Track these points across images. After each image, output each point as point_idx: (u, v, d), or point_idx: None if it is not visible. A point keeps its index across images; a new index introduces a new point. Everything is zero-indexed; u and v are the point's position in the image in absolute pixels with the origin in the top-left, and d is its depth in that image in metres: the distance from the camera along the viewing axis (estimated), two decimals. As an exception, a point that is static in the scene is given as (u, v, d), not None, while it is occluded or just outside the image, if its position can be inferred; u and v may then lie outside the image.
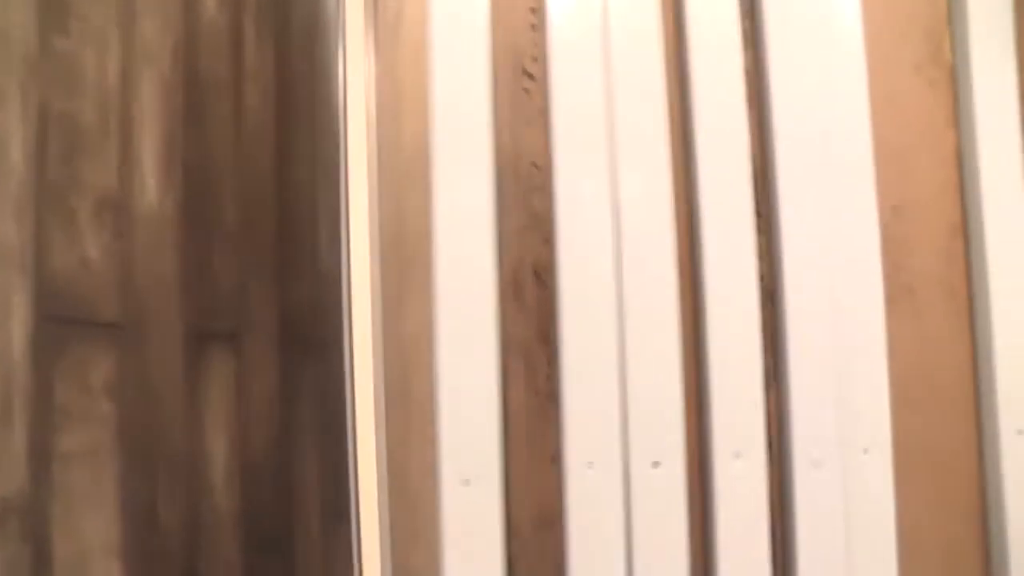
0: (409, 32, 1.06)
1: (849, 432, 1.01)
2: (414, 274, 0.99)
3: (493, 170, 0.96)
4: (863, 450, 1.01)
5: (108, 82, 0.95)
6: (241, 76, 1.04)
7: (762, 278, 1.03)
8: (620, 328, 0.94)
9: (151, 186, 0.98)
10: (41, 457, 0.83)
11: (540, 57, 1.04)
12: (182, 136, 1.03)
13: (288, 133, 1.03)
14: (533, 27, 1.07)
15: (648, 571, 0.92)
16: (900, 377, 1.12)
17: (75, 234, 0.90)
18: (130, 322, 0.93)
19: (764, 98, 1.05)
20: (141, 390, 0.95)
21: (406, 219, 1.04)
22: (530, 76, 1.07)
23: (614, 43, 0.99)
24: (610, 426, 0.93)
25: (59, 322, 0.84)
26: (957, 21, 1.18)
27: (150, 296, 0.98)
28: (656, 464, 0.93)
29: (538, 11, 1.05)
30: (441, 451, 0.90)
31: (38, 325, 0.83)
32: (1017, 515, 1.08)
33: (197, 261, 1.01)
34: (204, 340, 1.00)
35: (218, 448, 0.97)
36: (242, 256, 1.00)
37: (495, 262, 0.94)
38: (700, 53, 1.01)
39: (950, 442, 1.13)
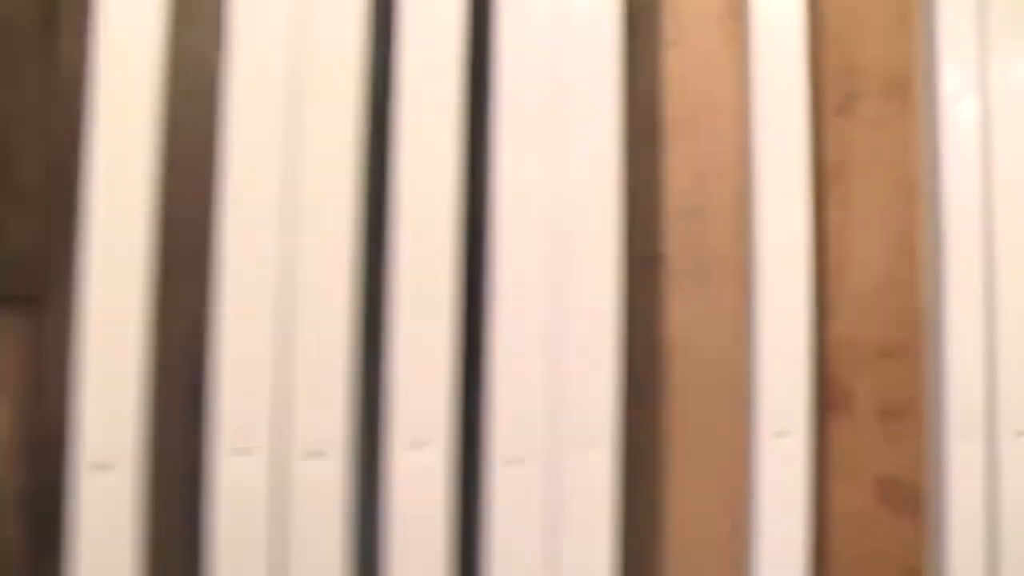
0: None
1: (563, 425, 0.87)
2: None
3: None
4: (579, 445, 0.87)
5: None
6: (54, 19, 0.98)
7: (472, 242, 0.90)
8: (280, 297, 0.83)
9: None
10: None
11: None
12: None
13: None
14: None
15: (303, 572, 0.83)
16: (682, 365, 1.00)
17: None
18: None
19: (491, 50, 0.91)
20: None
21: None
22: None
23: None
24: (262, 409, 0.82)
25: None
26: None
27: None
28: (317, 454, 0.82)
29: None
30: (74, 433, 0.82)
31: None
32: (771, 522, 0.93)
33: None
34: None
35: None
36: (46, 217, 0.94)
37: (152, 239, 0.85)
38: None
39: (722, 440, 0.98)
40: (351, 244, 0.84)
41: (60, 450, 0.87)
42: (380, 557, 0.84)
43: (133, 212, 0.83)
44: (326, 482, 0.82)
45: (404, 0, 0.87)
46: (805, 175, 0.99)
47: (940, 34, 1.05)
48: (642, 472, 1.08)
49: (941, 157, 1.04)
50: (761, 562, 0.93)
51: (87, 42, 0.90)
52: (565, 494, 0.86)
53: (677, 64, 1.06)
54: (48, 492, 0.88)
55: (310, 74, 0.83)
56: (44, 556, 0.90)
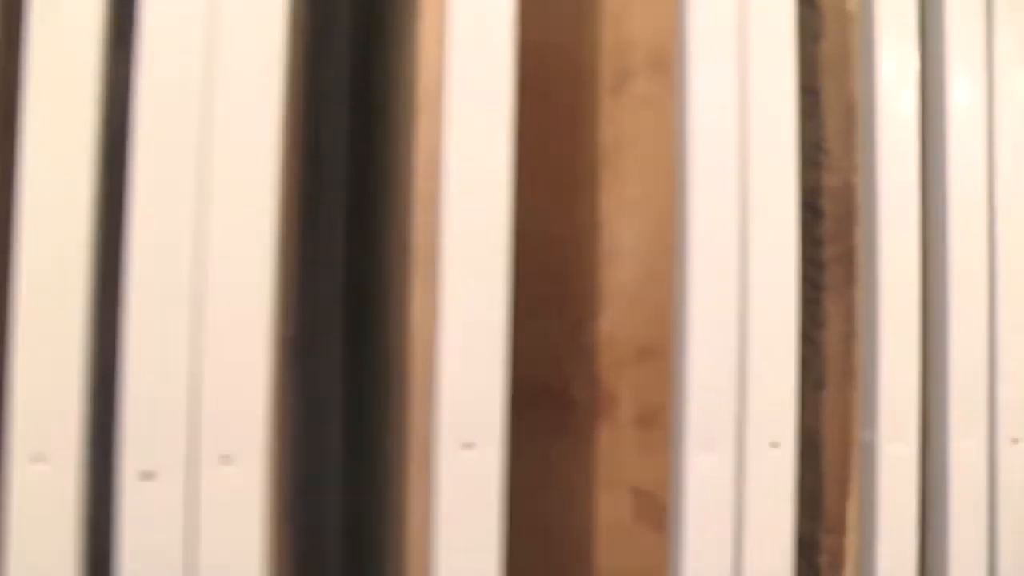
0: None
1: (205, 439, 0.81)
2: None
3: None
4: (221, 459, 0.81)
5: None
6: None
7: (109, 234, 0.84)
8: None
9: None
10: None
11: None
12: None
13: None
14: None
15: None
16: (418, 366, 0.93)
17: None
18: None
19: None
20: None
21: None
22: None
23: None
24: None
25: None
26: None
27: None
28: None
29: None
30: None
31: None
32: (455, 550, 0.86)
33: None
34: None
35: None
36: None
37: None
38: None
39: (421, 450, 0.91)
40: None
41: None
42: (4, 576, 0.79)
43: None
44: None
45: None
46: (507, 159, 0.90)
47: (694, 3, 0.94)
48: (379, 481, 1.02)
49: (691, 139, 0.94)
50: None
51: None
52: (205, 512, 0.80)
53: (424, 37, 0.98)
54: None
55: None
56: None
